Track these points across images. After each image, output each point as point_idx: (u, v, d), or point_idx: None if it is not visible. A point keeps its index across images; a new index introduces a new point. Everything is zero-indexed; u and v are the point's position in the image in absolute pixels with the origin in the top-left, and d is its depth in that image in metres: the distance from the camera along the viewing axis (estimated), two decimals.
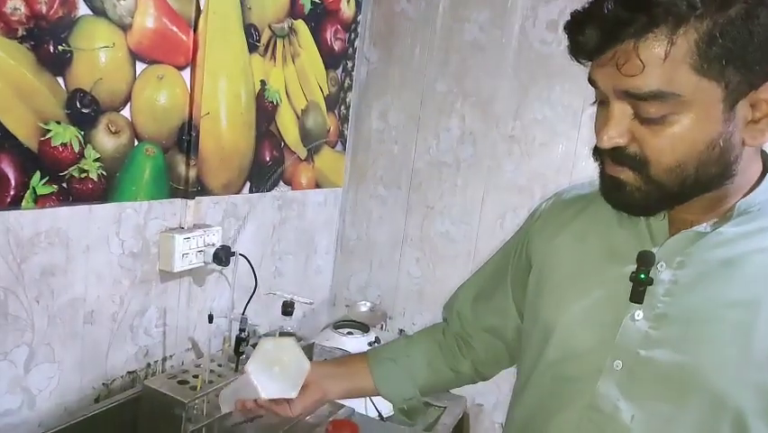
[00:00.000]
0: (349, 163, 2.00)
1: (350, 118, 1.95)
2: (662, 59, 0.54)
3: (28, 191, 0.99)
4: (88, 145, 1.08)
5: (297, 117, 1.68)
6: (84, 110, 1.06)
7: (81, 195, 1.09)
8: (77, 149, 1.06)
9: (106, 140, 1.12)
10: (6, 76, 0.93)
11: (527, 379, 0.77)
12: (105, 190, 1.13)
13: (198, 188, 1.35)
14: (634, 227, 0.69)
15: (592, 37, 0.56)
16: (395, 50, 1.90)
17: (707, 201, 0.63)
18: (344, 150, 1.96)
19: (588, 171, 1.62)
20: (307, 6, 1.63)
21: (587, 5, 0.57)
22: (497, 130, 1.77)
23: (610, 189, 0.64)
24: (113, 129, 1.12)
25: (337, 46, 1.80)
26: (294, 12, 1.58)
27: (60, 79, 1.01)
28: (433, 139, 1.87)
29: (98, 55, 1.07)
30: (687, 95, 0.55)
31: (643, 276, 0.63)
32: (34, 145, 0.99)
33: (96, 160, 1.10)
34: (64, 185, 1.05)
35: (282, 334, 1.39)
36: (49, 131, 1.01)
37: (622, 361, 0.65)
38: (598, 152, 0.64)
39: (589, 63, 0.60)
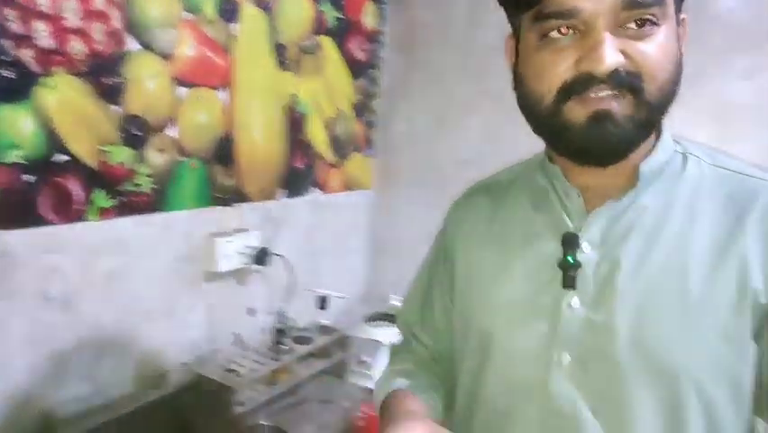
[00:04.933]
0: (378, 166, 2.11)
1: (377, 123, 2.07)
2: None
3: (91, 205, 1.15)
4: (140, 163, 1.23)
5: (326, 126, 1.81)
6: (135, 132, 1.21)
7: (136, 206, 1.24)
8: (130, 166, 1.21)
9: (156, 157, 1.26)
10: (72, 108, 1.09)
11: (473, 396, 0.70)
12: (156, 202, 1.28)
13: (237, 196, 1.49)
14: (550, 211, 0.66)
15: None
16: (417, 57, 2.00)
17: (615, 170, 0.60)
18: (372, 153, 2.07)
19: None
20: (331, 22, 1.75)
21: None
22: (518, 127, 1.84)
23: (595, 125, 0.56)
24: (161, 147, 1.27)
25: (362, 56, 1.92)
26: (318, 28, 1.70)
27: (115, 107, 1.16)
28: (456, 139, 1.96)
29: (146, 84, 1.21)
30: (669, 3, 0.55)
31: (570, 258, 0.61)
32: (96, 165, 1.15)
33: (148, 175, 1.25)
34: (122, 198, 1.20)
35: None
36: (107, 152, 1.16)
37: (569, 353, 0.61)
38: (573, 89, 0.56)
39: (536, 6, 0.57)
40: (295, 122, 1.67)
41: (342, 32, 1.81)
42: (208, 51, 1.34)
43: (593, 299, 0.61)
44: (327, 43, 1.75)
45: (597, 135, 0.56)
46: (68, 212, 1.11)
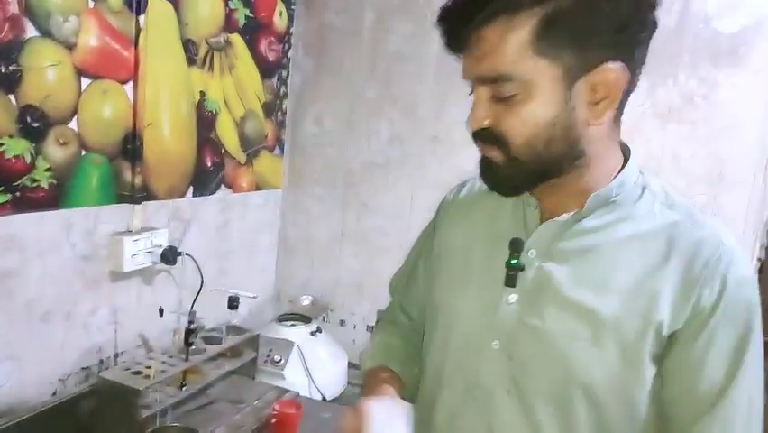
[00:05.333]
0: (287, 166, 2.12)
1: (287, 124, 2.08)
2: (504, 41, 0.60)
3: None
4: (39, 156, 1.17)
5: (236, 124, 1.80)
6: (34, 124, 1.15)
7: (33, 203, 1.17)
8: (28, 160, 1.15)
9: (56, 151, 1.20)
10: None
11: (426, 357, 0.83)
12: (55, 198, 1.22)
13: (144, 194, 1.45)
14: (514, 215, 0.74)
15: (451, 25, 0.64)
16: (326, 60, 2.04)
17: (569, 190, 0.68)
18: (282, 153, 2.08)
19: None
20: (242, 20, 1.74)
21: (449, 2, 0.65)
22: (421, 132, 1.94)
23: (484, 170, 0.69)
24: (61, 141, 1.21)
25: (272, 56, 1.93)
26: (229, 26, 1.69)
27: (12, 96, 1.10)
28: (364, 141, 2.02)
29: (46, 73, 1.16)
30: (530, 75, 0.61)
31: (514, 262, 0.70)
32: None
33: (47, 170, 1.19)
34: (17, 194, 1.14)
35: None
36: (2, 144, 1.09)
37: (500, 341, 0.71)
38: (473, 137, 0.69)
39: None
40: (204, 119, 1.65)
41: (253, 31, 1.80)
42: (114, 42, 1.30)
43: (527, 298, 0.70)
44: (238, 41, 1.74)
45: (485, 175, 0.70)
46: None
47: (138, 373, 1.31)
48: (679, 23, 1.63)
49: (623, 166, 0.70)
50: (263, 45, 1.87)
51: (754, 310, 0.65)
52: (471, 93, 0.67)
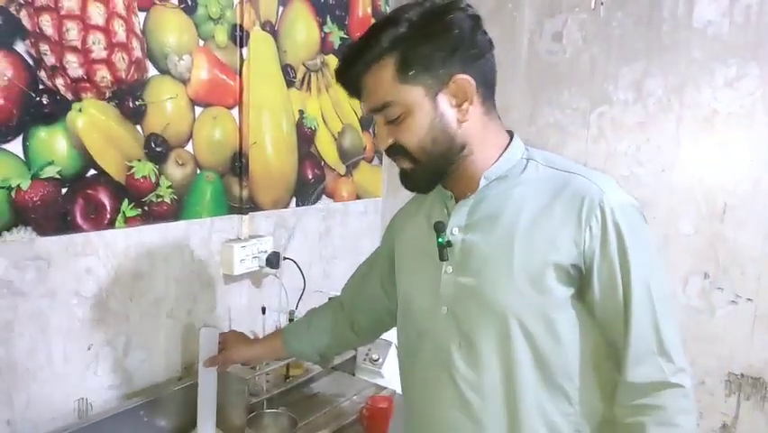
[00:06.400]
0: (386, 175, 2.23)
1: None
2: (378, 81, 0.82)
3: (119, 214, 1.30)
4: (162, 176, 1.38)
5: (335, 139, 1.94)
6: (157, 149, 1.36)
7: (159, 215, 1.38)
8: (153, 179, 1.36)
9: (175, 171, 1.41)
10: (100, 129, 1.24)
11: (401, 332, 1.01)
12: (176, 211, 1.42)
13: (251, 205, 1.63)
14: (441, 208, 0.92)
15: (344, 82, 0.86)
16: None
17: (467, 176, 0.86)
18: (381, 164, 2.19)
19: (597, 165, 1.77)
20: (336, 42, 1.88)
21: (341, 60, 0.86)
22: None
23: (401, 178, 0.89)
24: (180, 162, 1.42)
25: None
26: (324, 48, 1.84)
27: (138, 127, 1.31)
28: None
29: (166, 105, 1.36)
30: (404, 99, 0.81)
31: (441, 240, 0.86)
32: (122, 179, 1.29)
33: (169, 187, 1.40)
34: (146, 208, 1.35)
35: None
36: (132, 167, 1.31)
37: (447, 306, 0.88)
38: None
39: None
40: (304, 136, 1.81)
41: None
42: (221, 74, 1.49)
43: (459, 266, 0.87)
44: (333, 62, 1.88)
45: (404, 183, 0.89)
46: (99, 220, 1.26)
47: (246, 363, 1.48)
48: None
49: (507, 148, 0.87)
50: None
51: (634, 225, 0.81)
52: (374, 123, 0.90)
